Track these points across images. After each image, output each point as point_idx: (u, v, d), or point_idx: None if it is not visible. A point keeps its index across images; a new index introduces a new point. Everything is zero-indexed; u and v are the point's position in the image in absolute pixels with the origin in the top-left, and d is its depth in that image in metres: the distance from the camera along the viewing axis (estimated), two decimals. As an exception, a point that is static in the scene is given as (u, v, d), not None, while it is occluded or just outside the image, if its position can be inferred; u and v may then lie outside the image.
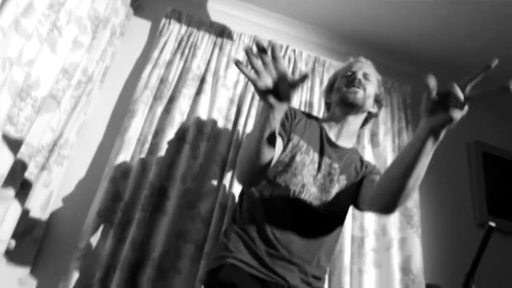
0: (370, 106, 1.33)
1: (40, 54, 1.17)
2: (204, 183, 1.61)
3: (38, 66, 1.19)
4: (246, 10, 2.15)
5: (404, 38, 2.15)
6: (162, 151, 1.59)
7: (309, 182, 1.16)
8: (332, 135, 1.29)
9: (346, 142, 1.30)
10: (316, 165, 1.19)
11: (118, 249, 1.41)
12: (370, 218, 1.73)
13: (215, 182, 1.61)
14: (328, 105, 1.45)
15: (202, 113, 1.72)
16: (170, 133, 1.64)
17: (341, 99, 1.29)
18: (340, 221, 1.24)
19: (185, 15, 1.96)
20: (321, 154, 1.22)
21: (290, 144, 1.18)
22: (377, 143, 1.94)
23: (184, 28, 1.94)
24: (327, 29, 2.20)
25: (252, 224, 1.11)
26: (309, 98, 1.93)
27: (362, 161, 1.31)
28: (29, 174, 1.30)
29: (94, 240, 1.41)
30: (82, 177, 1.60)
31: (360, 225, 1.71)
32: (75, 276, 1.35)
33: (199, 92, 1.79)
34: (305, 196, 1.14)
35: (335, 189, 1.19)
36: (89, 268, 1.38)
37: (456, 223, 1.97)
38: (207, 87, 1.80)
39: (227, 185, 1.59)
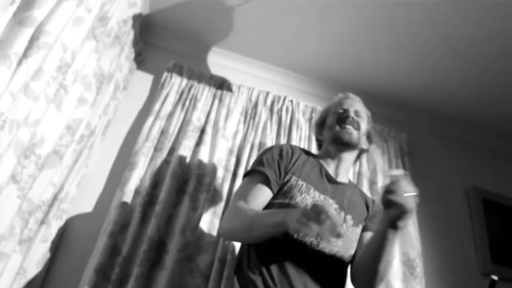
0: (363, 143, 1.37)
1: (46, 114, 1.22)
2: (203, 235, 1.60)
3: (44, 125, 1.23)
4: (245, 63, 2.25)
5: (400, 87, 2.24)
6: (162, 203, 1.59)
7: None
8: (330, 171, 1.29)
9: (344, 178, 1.31)
10: None
11: (115, 307, 1.37)
12: (372, 270, 1.70)
13: (214, 234, 1.60)
14: (319, 142, 1.47)
15: (202, 164, 1.75)
16: (169, 185, 1.65)
17: (336, 138, 1.31)
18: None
19: (186, 69, 2.05)
20: (323, 192, 1.20)
21: (288, 185, 1.17)
22: (376, 191, 1.95)
23: (185, 81, 2.01)
24: (324, 80, 2.29)
25: (267, 270, 1.06)
26: (307, 148, 1.97)
27: (366, 202, 1.31)
28: (28, 231, 1.29)
29: (91, 298, 1.38)
30: (81, 230, 1.59)
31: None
32: (70, 337, 1.31)
33: (199, 143, 1.82)
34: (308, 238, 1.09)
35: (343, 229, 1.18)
36: (84, 327, 1.34)
37: (459, 273, 1.94)
38: (207, 138, 1.84)
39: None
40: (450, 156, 2.32)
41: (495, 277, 1.16)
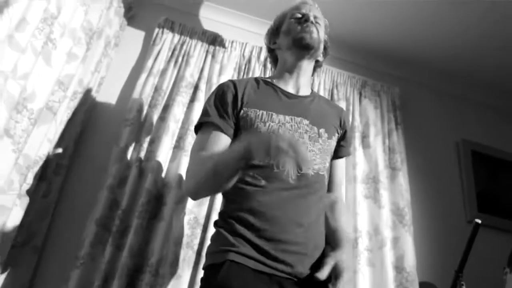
0: (320, 52, 1.25)
1: (35, 67, 1.17)
2: (200, 188, 1.61)
3: (33, 79, 1.19)
4: (237, 18, 2.16)
5: (392, 40, 2.17)
6: (158, 158, 1.58)
7: None
8: (290, 88, 1.18)
9: (306, 90, 1.20)
10: (288, 126, 1.06)
11: (117, 256, 1.40)
12: (363, 219, 1.74)
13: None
14: (271, 53, 1.31)
15: (197, 119, 1.72)
16: (165, 141, 1.63)
17: (296, 41, 1.16)
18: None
19: (178, 24, 1.97)
20: (287, 113, 1.08)
21: (247, 119, 1.05)
22: (367, 144, 1.95)
23: (177, 37, 1.94)
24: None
25: (248, 211, 0.97)
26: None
27: (337, 113, 1.22)
28: (27, 185, 1.29)
29: (93, 248, 1.40)
30: (81, 186, 1.59)
31: (353, 225, 1.71)
32: (75, 284, 1.34)
33: (193, 99, 1.79)
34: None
35: (319, 144, 1.08)
36: (88, 276, 1.38)
37: (447, 221, 1.99)
38: (201, 94, 1.80)
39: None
40: (441, 110, 2.30)
41: (478, 220, 1.18)
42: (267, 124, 1.04)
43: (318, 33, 1.18)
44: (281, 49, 1.24)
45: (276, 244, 0.93)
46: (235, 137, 1.07)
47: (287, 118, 1.07)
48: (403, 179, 1.89)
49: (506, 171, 2.23)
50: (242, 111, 1.07)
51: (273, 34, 1.28)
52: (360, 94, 2.10)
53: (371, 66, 2.27)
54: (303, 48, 1.16)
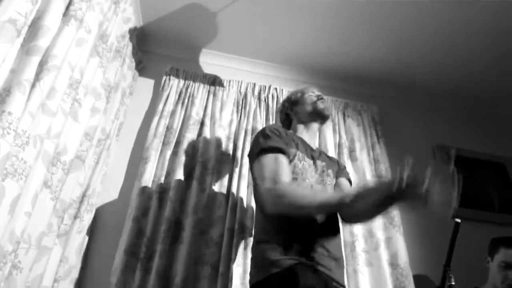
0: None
1: (65, 126, 1.23)
2: (213, 211, 1.63)
3: (64, 136, 1.24)
4: (232, 60, 2.24)
5: (368, 64, 2.23)
6: (174, 189, 1.62)
7: (313, 182, 1.19)
8: (307, 140, 1.34)
9: (314, 144, 1.37)
10: (313, 167, 1.23)
11: (146, 280, 1.42)
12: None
13: (222, 210, 1.63)
14: (286, 116, 1.47)
15: (205, 151, 1.77)
16: (179, 173, 1.67)
17: (318, 111, 1.36)
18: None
19: (182, 71, 2.04)
20: (312, 157, 1.26)
21: (293, 153, 1.19)
22: (355, 158, 1.98)
23: (182, 82, 2.01)
24: (303, 67, 2.28)
25: (289, 233, 1.07)
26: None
27: (335, 159, 1.42)
28: (64, 226, 1.33)
29: (124, 274, 1.42)
30: (109, 220, 1.62)
31: (349, 230, 1.73)
32: (111, 307, 1.36)
33: (200, 134, 1.84)
34: None
35: (329, 181, 1.26)
36: (122, 299, 1.39)
37: (432, 218, 1.99)
38: (206, 129, 1.85)
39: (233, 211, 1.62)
40: (416, 120, 2.34)
41: (458, 220, 1.20)
42: (302, 163, 1.19)
43: None
44: (298, 115, 1.41)
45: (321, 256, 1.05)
46: None
47: (318, 162, 1.26)
48: (389, 185, 1.90)
49: (479, 169, 2.24)
50: (292, 147, 1.20)
51: (293, 103, 1.45)
52: (344, 114, 2.14)
53: (350, 89, 2.33)
54: (324, 117, 1.38)
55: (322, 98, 1.39)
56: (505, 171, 2.24)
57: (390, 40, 2.02)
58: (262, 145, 1.15)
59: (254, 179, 1.20)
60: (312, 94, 1.42)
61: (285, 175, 1.07)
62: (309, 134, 1.37)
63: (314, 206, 1.00)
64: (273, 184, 1.05)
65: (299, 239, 1.05)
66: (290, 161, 1.15)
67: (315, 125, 1.39)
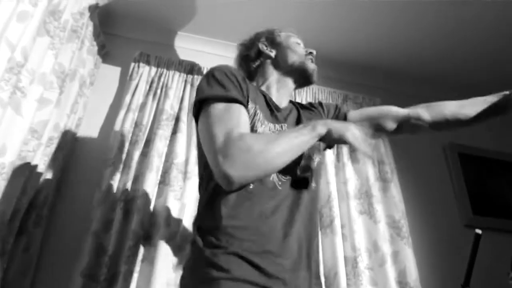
0: None
1: (3, 120, 1.10)
2: (189, 224, 1.53)
3: (2, 132, 1.11)
4: (212, 44, 2.13)
5: (368, 52, 2.16)
6: (144, 197, 1.50)
7: None
8: (275, 98, 1.09)
9: (286, 101, 1.13)
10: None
11: (107, 308, 1.31)
12: (360, 236, 1.68)
13: (201, 221, 1.53)
14: (258, 55, 1.18)
15: (180, 152, 1.66)
16: (149, 177, 1.56)
17: (307, 69, 1.12)
18: None
19: (154, 57, 1.92)
20: (276, 119, 1.01)
21: (250, 113, 0.93)
22: (356, 158, 1.90)
23: (153, 69, 1.89)
24: (294, 54, 2.19)
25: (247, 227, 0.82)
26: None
27: (318, 111, 1.17)
28: (5, 243, 1.20)
29: (81, 302, 1.30)
30: (64, 235, 1.49)
31: (351, 244, 1.65)
32: None
33: (175, 131, 1.73)
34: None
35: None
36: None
37: (444, 227, 1.94)
38: (183, 125, 1.74)
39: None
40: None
41: (479, 231, 1.13)
42: (262, 127, 0.94)
43: None
44: (275, 61, 1.15)
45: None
46: None
47: (277, 126, 0.99)
48: (395, 190, 1.84)
49: (493, 169, 2.20)
50: (249, 103, 0.94)
51: (269, 40, 1.19)
52: (343, 108, 2.06)
53: (350, 80, 2.25)
54: (305, 79, 1.14)
55: (312, 56, 1.15)
56: (524, 172, 2.20)
57: (397, 26, 1.95)
58: (207, 93, 0.88)
59: (199, 147, 0.95)
60: (299, 43, 1.18)
61: (246, 129, 0.84)
62: (280, 92, 1.11)
63: (286, 147, 0.80)
64: (230, 138, 0.79)
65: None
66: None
67: (291, 83, 1.14)
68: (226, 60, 2.10)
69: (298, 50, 1.15)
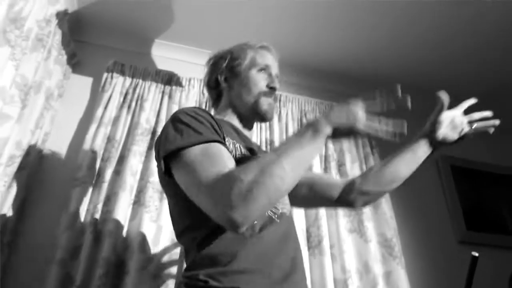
0: None
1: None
2: (167, 248, 1.46)
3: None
4: (192, 53, 2.09)
5: (358, 64, 2.15)
6: (116, 220, 1.43)
7: None
8: (237, 125, 1.06)
9: (250, 134, 1.10)
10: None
11: None
12: (350, 257, 1.64)
13: (179, 246, 1.46)
14: (217, 84, 1.14)
15: (156, 169, 1.59)
16: (123, 198, 1.49)
17: (260, 110, 1.04)
18: None
19: (129, 67, 1.87)
20: (250, 149, 0.96)
21: (230, 148, 0.89)
22: (345, 172, 1.88)
23: (128, 80, 1.84)
24: (279, 63, 2.16)
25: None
26: (270, 136, 1.86)
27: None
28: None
29: None
30: (27, 265, 1.40)
31: (341, 266, 1.61)
32: None
33: (151, 147, 1.67)
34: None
35: None
36: None
37: (437, 245, 1.92)
38: (159, 140, 1.68)
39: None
40: (416, 127, 2.26)
41: (475, 254, 1.10)
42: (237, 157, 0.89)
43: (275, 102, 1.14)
44: (231, 91, 1.10)
45: None
46: None
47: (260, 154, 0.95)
48: (386, 206, 1.82)
49: (487, 182, 2.21)
50: (225, 139, 0.89)
51: (227, 68, 1.12)
52: (331, 120, 2.04)
53: (338, 90, 2.23)
54: (260, 118, 1.07)
55: (274, 90, 1.07)
56: (518, 185, 2.21)
57: (380, 34, 1.95)
58: (178, 143, 0.80)
59: (177, 195, 0.86)
60: (263, 71, 1.08)
61: (232, 163, 0.78)
62: (243, 123, 1.08)
63: (293, 164, 0.72)
64: (221, 179, 0.72)
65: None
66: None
67: (250, 118, 1.09)
68: (207, 69, 2.06)
69: (253, 88, 1.06)
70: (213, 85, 1.15)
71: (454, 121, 1.07)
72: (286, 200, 0.99)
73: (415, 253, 1.83)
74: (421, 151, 1.09)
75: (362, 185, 1.08)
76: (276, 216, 0.88)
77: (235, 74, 1.10)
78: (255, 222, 0.82)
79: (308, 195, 1.12)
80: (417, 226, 1.92)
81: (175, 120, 0.85)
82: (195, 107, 0.90)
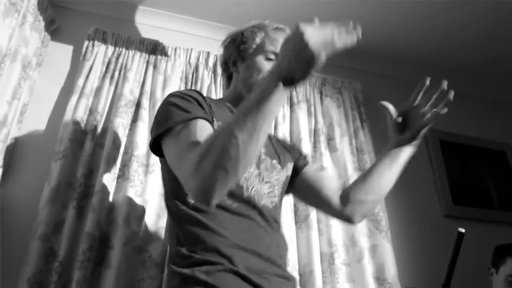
0: None
1: None
2: (152, 222, 1.44)
3: None
4: (179, 21, 2.00)
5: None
6: (99, 194, 1.40)
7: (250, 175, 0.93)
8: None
9: None
10: None
11: (56, 321, 1.22)
12: (337, 231, 1.64)
13: (164, 220, 1.44)
14: (227, 68, 1.13)
15: (141, 143, 1.55)
16: (106, 171, 1.45)
17: None
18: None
19: (111, 34, 1.78)
20: None
21: None
22: (334, 147, 1.86)
23: (111, 49, 1.75)
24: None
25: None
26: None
27: (278, 140, 1.18)
28: None
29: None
30: (8, 241, 1.37)
31: (327, 239, 1.61)
32: None
33: (135, 119, 1.62)
34: (252, 191, 0.92)
35: (274, 175, 0.99)
36: None
37: (424, 219, 1.93)
38: (144, 112, 1.63)
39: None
40: (405, 100, 2.24)
41: (462, 230, 1.11)
42: None
43: None
44: (239, 74, 1.08)
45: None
46: None
47: None
48: (374, 180, 1.80)
49: (475, 157, 2.21)
50: (213, 120, 0.90)
51: (237, 52, 1.08)
52: (321, 93, 1.99)
53: (329, 62, 2.17)
54: None
55: None
56: (506, 160, 2.22)
57: (382, 4, 1.87)
58: (168, 124, 0.84)
59: (167, 175, 0.94)
60: (270, 60, 1.03)
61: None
62: None
63: (247, 130, 0.68)
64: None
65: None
66: None
67: None
68: (193, 38, 1.98)
69: (255, 75, 1.02)
70: (224, 68, 1.15)
71: (412, 117, 1.09)
72: (275, 192, 0.98)
73: (402, 227, 1.85)
74: (402, 155, 1.14)
75: (355, 195, 1.09)
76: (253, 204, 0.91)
77: (242, 58, 1.08)
78: (228, 201, 0.87)
79: (307, 196, 1.15)
80: (404, 200, 1.92)
81: (166, 103, 0.90)
82: (185, 90, 0.95)
